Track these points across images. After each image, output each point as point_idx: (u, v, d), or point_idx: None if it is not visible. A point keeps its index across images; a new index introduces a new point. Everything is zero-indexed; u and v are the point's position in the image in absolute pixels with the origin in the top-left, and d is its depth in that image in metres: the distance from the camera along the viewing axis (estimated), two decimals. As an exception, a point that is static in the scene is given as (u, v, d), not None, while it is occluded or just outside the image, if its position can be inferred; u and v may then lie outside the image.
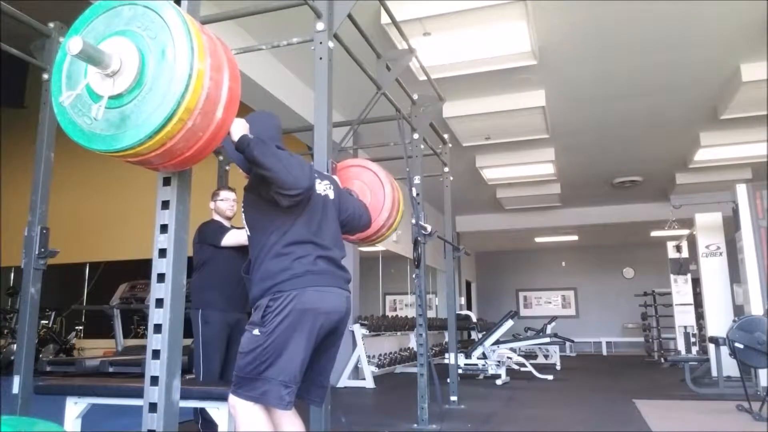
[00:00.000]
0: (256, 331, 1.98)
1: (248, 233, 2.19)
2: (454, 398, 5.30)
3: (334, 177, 2.54)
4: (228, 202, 3.71)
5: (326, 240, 2.15)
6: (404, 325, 9.19)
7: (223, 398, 2.43)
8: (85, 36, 1.51)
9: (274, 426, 2.04)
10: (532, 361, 8.86)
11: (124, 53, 1.46)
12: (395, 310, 13.55)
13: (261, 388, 1.93)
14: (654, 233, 13.04)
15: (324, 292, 2.06)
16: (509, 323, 8.18)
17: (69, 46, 1.37)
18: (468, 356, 7.92)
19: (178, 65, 1.42)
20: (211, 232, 3.56)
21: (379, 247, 9.18)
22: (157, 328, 1.59)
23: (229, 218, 3.74)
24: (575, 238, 14.70)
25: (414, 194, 4.28)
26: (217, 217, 3.70)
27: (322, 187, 2.26)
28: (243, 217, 2.23)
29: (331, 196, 2.29)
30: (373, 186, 2.92)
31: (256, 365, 1.95)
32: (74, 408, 2.63)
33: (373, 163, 3.04)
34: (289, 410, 2.01)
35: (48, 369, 6.99)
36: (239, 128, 1.97)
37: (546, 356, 10.18)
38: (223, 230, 3.55)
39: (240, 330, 3.64)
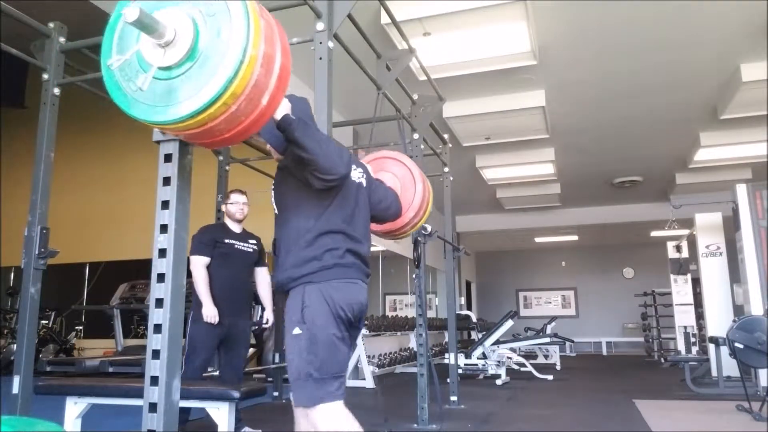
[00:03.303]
0: (296, 330, 1.96)
1: (276, 212, 2.16)
2: (454, 398, 5.30)
3: (367, 165, 2.51)
4: (237, 206, 3.71)
5: (357, 231, 2.15)
6: (404, 325, 9.20)
7: (223, 398, 2.43)
8: None
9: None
10: (532, 361, 8.87)
11: (180, 25, 1.41)
12: (395, 310, 13.54)
13: (326, 387, 1.93)
14: (654, 233, 13.05)
15: (350, 283, 2.08)
16: (509, 323, 8.18)
17: (125, 13, 1.32)
18: (468, 356, 7.92)
19: (232, 48, 1.37)
20: (194, 241, 3.55)
21: (379, 247, 9.16)
22: (157, 328, 1.59)
23: (239, 221, 3.74)
24: (575, 238, 14.70)
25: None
26: (227, 220, 3.73)
27: (356, 174, 2.24)
28: (272, 195, 2.19)
29: (364, 183, 2.28)
30: (405, 181, 2.86)
31: (308, 367, 1.93)
32: (74, 408, 2.63)
33: (408, 159, 2.96)
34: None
35: (48, 369, 6.99)
36: (282, 107, 1.94)
37: (546, 356, 10.18)
38: (200, 249, 3.53)
39: (237, 333, 3.65)
